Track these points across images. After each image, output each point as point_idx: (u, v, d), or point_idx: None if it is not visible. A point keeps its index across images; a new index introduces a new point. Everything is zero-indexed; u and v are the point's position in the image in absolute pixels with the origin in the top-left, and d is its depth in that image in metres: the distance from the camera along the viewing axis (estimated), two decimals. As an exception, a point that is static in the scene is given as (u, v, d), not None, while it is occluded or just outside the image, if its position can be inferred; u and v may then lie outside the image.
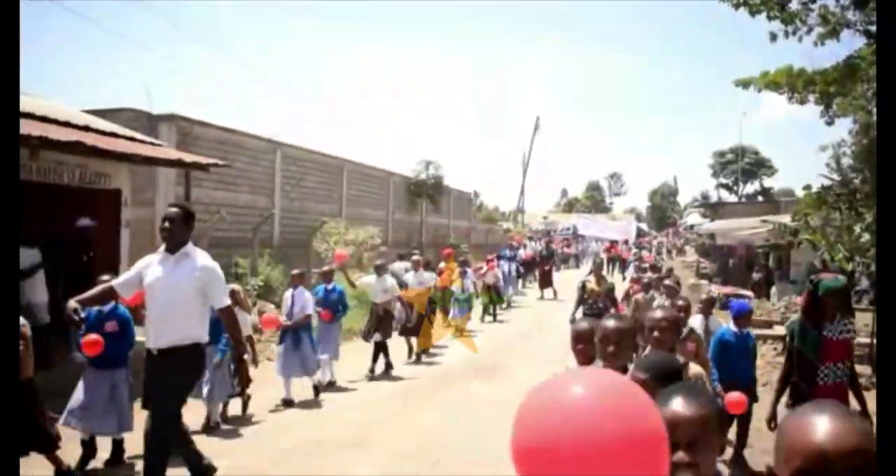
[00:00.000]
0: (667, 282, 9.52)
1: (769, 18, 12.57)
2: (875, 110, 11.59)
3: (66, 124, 9.41)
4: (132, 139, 10.92)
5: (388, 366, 11.01)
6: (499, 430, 7.03)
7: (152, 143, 11.56)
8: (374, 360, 10.83)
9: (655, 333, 3.55)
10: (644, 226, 65.01)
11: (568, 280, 25.61)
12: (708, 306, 7.95)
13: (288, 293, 9.45)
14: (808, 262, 20.80)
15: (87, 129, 9.84)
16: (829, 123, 12.87)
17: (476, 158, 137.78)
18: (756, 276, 23.81)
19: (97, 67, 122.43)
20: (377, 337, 10.87)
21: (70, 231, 9.79)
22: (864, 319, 16.23)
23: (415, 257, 13.05)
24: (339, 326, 10.41)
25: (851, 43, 17.46)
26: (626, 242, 39.59)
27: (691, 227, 61.04)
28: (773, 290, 21.50)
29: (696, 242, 49.77)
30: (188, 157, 11.21)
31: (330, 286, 10.04)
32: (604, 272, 11.48)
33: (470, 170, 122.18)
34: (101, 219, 10.47)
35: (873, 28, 12.52)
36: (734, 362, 6.41)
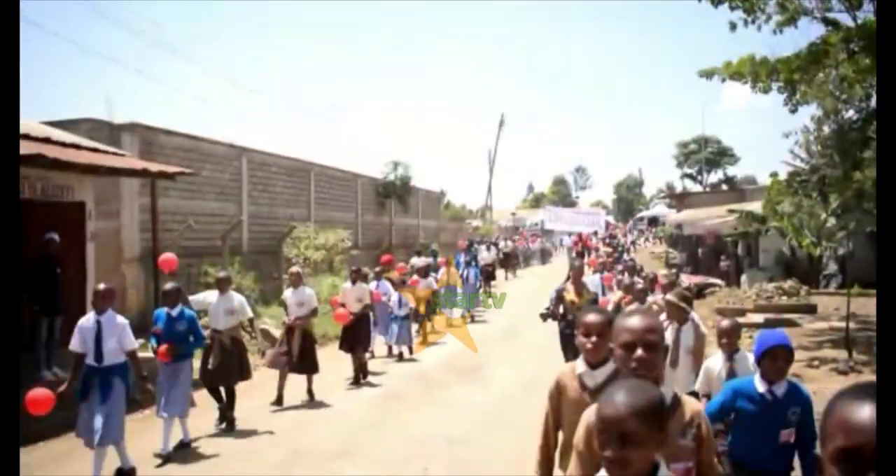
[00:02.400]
0: (669, 296, 6.23)
1: (731, 8, 12.72)
2: (842, 96, 11.78)
3: (26, 137, 9.12)
4: (95, 150, 10.64)
5: (227, 420, 8.08)
6: (484, 434, 7.00)
7: (115, 154, 11.28)
8: (229, 405, 8.09)
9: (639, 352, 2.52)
10: (611, 218, 65.56)
11: (532, 284, 25.49)
12: (732, 335, 4.88)
13: (88, 320, 6.40)
14: (777, 249, 21.16)
15: (47, 141, 9.56)
16: (793, 111, 13.05)
17: (442, 157, 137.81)
18: (724, 264, 24.13)
19: (53, 78, 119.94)
20: (217, 379, 8.05)
21: (36, 247, 9.49)
22: (833, 303, 16.52)
23: (293, 269, 10.09)
24: (190, 368, 7.44)
25: (809, 30, 17.83)
26: (595, 234, 39.20)
27: (641, 218, 62.03)
28: (743, 277, 21.80)
29: (656, 234, 50.37)
30: (154, 167, 10.97)
31: (175, 311, 7.21)
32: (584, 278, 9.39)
33: (436, 168, 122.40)
34: (65, 233, 10.16)
35: (830, 15, 12.75)
36: (757, 445, 3.74)
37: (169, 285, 7.50)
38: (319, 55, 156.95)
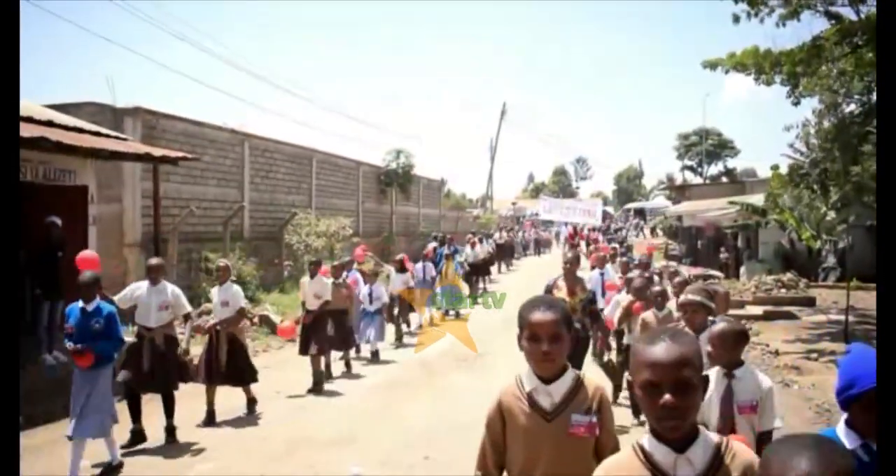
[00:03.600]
0: (691, 296, 4.90)
1: (735, 0, 12.72)
2: (841, 90, 11.80)
3: (28, 120, 9.13)
4: (97, 134, 10.64)
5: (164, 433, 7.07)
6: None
7: (118, 138, 11.29)
8: (167, 414, 7.09)
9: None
10: (610, 209, 65.53)
11: (527, 276, 25.30)
12: (723, 343, 3.67)
13: None
14: (776, 242, 21.21)
15: (50, 124, 9.56)
16: (796, 104, 13.06)
17: (443, 145, 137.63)
18: (723, 256, 24.19)
19: (56, 61, 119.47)
20: (150, 386, 7.02)
21: (38, 231, 9.52)
22: (832, 296, 16.60)
23: (221, 263, 8.60)
24: (110, 376, 6.26)
25: (812, 24, 17.83)
26: (593, 230, 38.16)
27: (628, 210, 61.95)
28: (743, 269, 21.86)
29: (637, 226, 50.06)
30: (156, 151, 10.97)
31: (91, 306, 6.08)
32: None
33: (437, 156, 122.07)
34: (67, 217, 10.19)
35: (833, 9, 12.74)
36: None
37: (86, 275, 6.21)
38: (325, 49, 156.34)
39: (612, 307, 8.54)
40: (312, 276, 9.62)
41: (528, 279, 20.50)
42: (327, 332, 9.59)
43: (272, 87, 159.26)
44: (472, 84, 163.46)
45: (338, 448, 6.86)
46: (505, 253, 29.06)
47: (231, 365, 7.90)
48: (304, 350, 9.41)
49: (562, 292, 7.13)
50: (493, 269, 25.06)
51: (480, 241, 22.69)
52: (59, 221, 9.72)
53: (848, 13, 12.50)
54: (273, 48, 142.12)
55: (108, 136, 10.98)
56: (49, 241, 9.56)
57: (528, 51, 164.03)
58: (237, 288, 8.26)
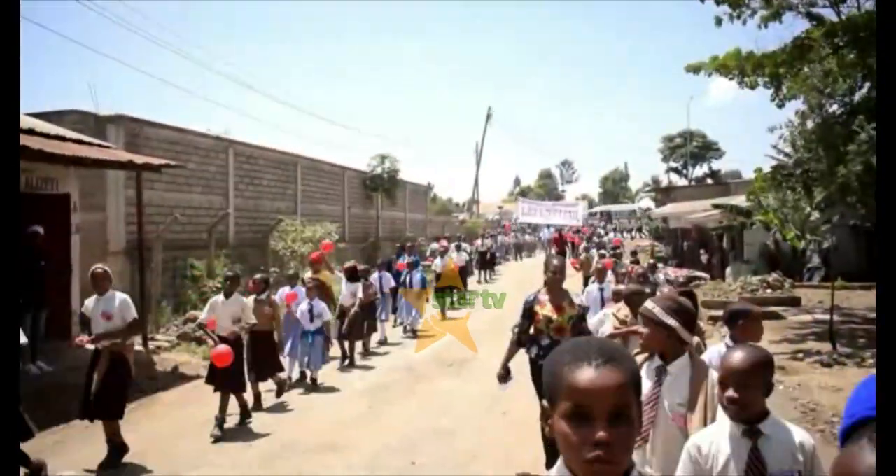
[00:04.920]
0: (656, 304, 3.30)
1: (717, 3, 12.79)
2: (826, 90, 11.88)
3: (10, 128, 9.04)
4: (80, 142, 10.56)
5: None
6: (471, 426, 7.01)
7: (101, 145, 11.20)
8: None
9: None
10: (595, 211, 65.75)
11: (510, 283, 25.06)
12: (757, 379, 2.54)
13: None
14: (761, 243, 21.31)
15: (31, 132, 9.47)
16: (780, 106, 13.13)
17: (429, 149, 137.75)
18: (705, 257, 24.28)
19: (37, 68, 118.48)
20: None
21: (20, 239, 9.42)
22: (817, 296, 16.69)
23: (97, 269, 6.76)
24: None
25: (794, 25, 18.00)
26: (576, 231, 37.53)
27: (594, 213, 62.01)
28: (728, 270, 21.94)
29: (593, 229, 49.59)
30: (139, 159, 10.90)
31: None
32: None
33: (424, 161, 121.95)
34: (50, 225, 10.10)
35: (814, 10, 12.85)
36: None
37: None
38: (310, 54, 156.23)
39: (598, 324, 6.68)
40: (228, 295, 7.92)
41: (512, 290, 20.24)
42: (241, 365, 7.94)
43: (257, 93, 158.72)
44: (458, 88, 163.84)
45: (323, 454, 6.81)
46: (487, 261, 27.26)
47: (102, 394, 6.34)
48: (209, 380, 7.80)
49: (546, 309, 5.82)
50: (472, 279, 23.21)
51: (458, 247, 21.02)
52: (41, 230, 9.63)
53: (829, 14, 12.62)
54: (257, 54, 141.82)
55: (90, 143, 10.89)
56: (31, 251, 9.46)
57: (513, 54, 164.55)
58: (124, 297, 6.74)
